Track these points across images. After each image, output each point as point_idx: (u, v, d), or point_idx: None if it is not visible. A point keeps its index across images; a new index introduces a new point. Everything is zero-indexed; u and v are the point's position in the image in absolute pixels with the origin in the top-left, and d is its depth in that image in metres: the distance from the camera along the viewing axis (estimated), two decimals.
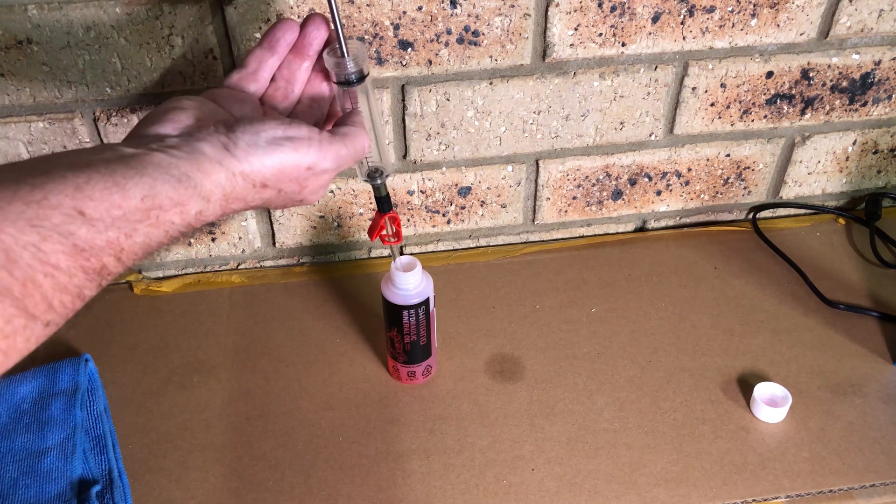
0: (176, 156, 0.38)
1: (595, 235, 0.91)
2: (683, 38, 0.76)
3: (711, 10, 0.74)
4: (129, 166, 0.36)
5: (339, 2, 0.51)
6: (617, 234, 0.91)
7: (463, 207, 0.85)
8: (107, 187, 0.34)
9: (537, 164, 0.82)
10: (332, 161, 0.45)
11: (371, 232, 0.61)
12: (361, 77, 0.53)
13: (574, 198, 0.86)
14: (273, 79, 0.53)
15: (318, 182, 0.46)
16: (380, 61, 0.72)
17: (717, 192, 0.89)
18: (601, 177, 0.85)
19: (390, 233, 0.61)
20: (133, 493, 0.61)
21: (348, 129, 0.48)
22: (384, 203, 0.60)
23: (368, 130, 0.55)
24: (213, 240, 0.83)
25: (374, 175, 0.58)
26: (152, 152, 0.38)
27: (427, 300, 0.64)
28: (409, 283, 0.63)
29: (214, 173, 0.39)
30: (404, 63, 0.73)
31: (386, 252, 0.89)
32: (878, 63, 0.81)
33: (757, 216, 0.92)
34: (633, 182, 0.86)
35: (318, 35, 0.52)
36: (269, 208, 0.45)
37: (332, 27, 0.51)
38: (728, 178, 0.88)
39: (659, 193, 0.88)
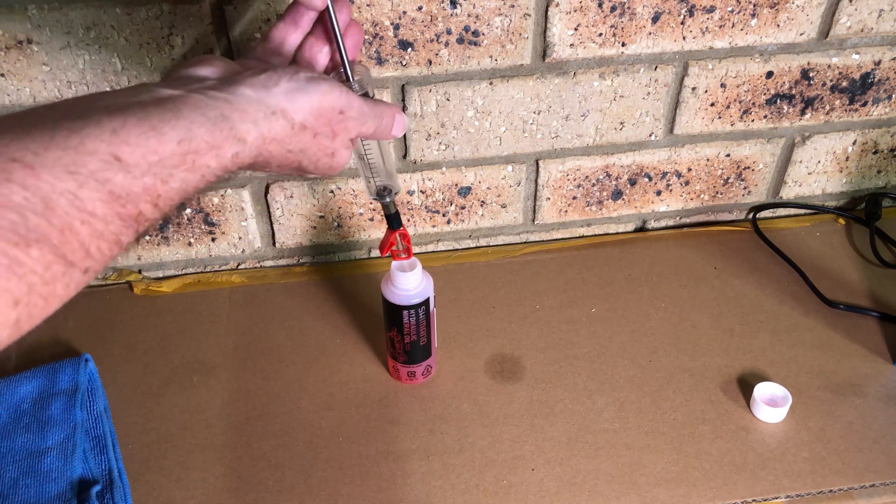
0: (214, 97, 0.38)
1: (595, 235, 0.91)
2: (683, 38, 0.76)
3: (711, 10, 0.74)
4: (166, 108, 0.35)
5: (342, 24, 0.50)
6: (617, 234, 0.91)
7: (463, 207, 0.85)
8: (143, 132, 0.33)
9: (537, 164, 0.82)
10: (357, 111, 0.45)
11: (382, 248, 0.62)
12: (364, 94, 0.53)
13: (574, 198, 0.86)
14: (294, 59, 0.52)
15: (345, 134, 0.45)
16: (380, 61, 0.72)
17: (717, 192, 0.89)
18: (601, 177, 0.85)
19: (401, 248, 0.62)
20: (133, 493, 0.61)
21: (380, 102, 0.49)
22: (394, 220, 0.61)
23: (376, 151, 0.56)
24: (213, 240, 0.83)
25: (384, 193, 0.59)
26: (190, 94, 0.37)
27: (427, 300, 0.64)
28: (410, 284, 0.63)
29: (252, 112, 0.39)
30: (404, 63, 0.73)
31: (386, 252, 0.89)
32: (878, 63, 0.81)
33: (757, 216, 0.92)
34: (633, 182, 0.86)
35: (340, 18, 0.51)
36: (300, 169, 0.45)
37: (337, 50, 0.51)
38: (728, 178, 0.88)
39: (659, 193, 0.88)
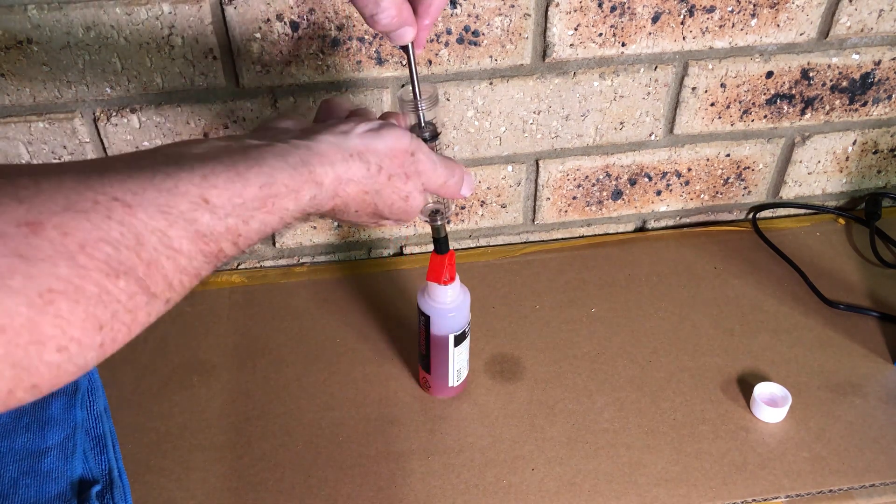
0: (296, 145, 0.41)
1: (595, 235, 0.91)
2: (683, 38, 0.76)
3: (711, 10, 0.74)
4: (250, 156, 0.38)
5: (415, 56, 0.52)
6: (617, 234, 0.91)
7: (463, 207, 0.85)
8: (230, 177, 0.36)
9: (537, 164, 0.82)
10: (427, 156, 0.48)
11: (432, 275, 0.61)
12: (435, 135, 0.53)
13: (574, 198, 0.86)
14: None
15: (417, 179, 0.47)
16: (380, 61, 0.73)
17: (717, 192, 0.89)
18: (601, 177, 0.85)
19: (448, 276, 0.61)
20: (133, 493, 0.61)
21: (451, 159, 0.51)
22: (443, 244, 0.60)
23: None
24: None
25: (435, 216, 0.57)
26: (275, 144, 0.41)
27: (428, 317, 0.64)
28: (433, 290, 0.62)
29: (331, 155, 0.42)
30: (404, 63, 0.73)
31: (386, 253, 0.89)
32: (878, 63, 0.81)
33: (757, 216, 0.92)
34: (633, 182, 0.86)
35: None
36: (376, 214, 0.47)
37: (412, 81, 0.51)
38: (728, 178, 0.88)
39: (659, 193, 0.88)
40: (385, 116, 0.52)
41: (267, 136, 0.42)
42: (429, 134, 0.52)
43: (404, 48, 0.50)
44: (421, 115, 0.52)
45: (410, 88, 0.52)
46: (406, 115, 0.52)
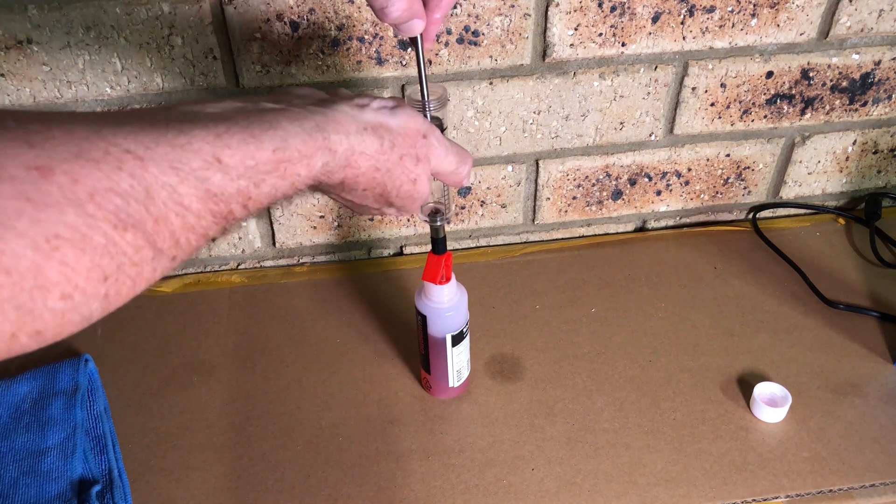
0: (312, 111, 0.41)
1: (595, 235, 0.91)
2: (683, 38, 0.76)
3: (711, 10, 0.74)
4: (266, 119, 0.38)
5: (424, 54, 0.52)
6: (617, 234, 0.91)
7: (463, 207, 0.85)
8: (244, 138, 0.36)
9: (537, 164, 0.82)
10: (438, 139, 0.48)
11: (429, 275, 0.60)
12: (441, 130, 0.52)
13: (574, 198, 0.86)
14: None
15: (426, 162, 0.47)
16: (380, 61, 0.72)
17: (717, 192, 0.89)
18: (601, 177, 0.85)
19: (444, 276, 0.61)
20: (133, 493, 0.61)
21: (462, 148, 0.51)
22: (441, 245, 0.59)
23: None
24: (213, 239, 0.82)
25: (435, 216, 0.57)
26: (291, 108, 0.40)
27: (425, 317, 0.64)
28: (429, 290, 0.62)
29: (346, 124, 0.42)
30: (404, 63, 0.73)
31: (386, 253, 0.89)
32: (878, 63, 0.81)
33: (757, 216, 0.92)
34: (632, 182, 0.86)
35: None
36: (384, 196, 0.47)
37: (419, 75, 0.51)
38: (728, 178, 0.88)
39: (659, 193, 0.88)
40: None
41: (283, 100, 0.42)
42: (433, 106, 0.52)
43: (413, 41, 0.50)
44: (427, 110, 0.52)
45: (418, 88, 0.52)
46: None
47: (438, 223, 0.58)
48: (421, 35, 0.50)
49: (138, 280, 0.33)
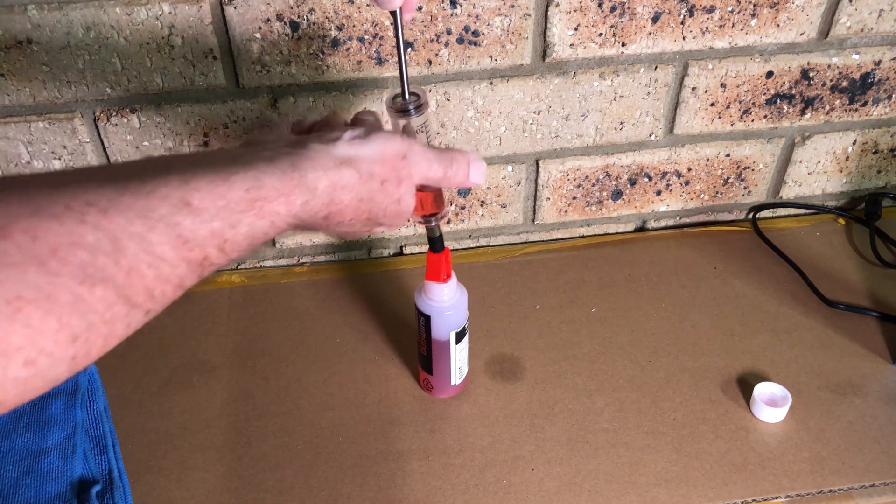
0: (286, 151, 0.40)
1: (595, 235, 0.91)
2: (683, 38, 0.76)
3: (711, 10, 0.74)
4: (236, 162, 0.37)
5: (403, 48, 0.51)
6: (617, 234, 0.91)
7: (463, 207, 0.85)
8: (212, 180, 0.35)
9: (537, 163, 0.82)
10: (419, 155, 0.47)
11: (431, 274, 0.60)
12: (419, 106, 0.52)
13: (574, 198, 0.86)
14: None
15: (409, 181, 0.47)
16: (379, 61, 0.72)
17: (717, 192, 0.89)
18: (601, 177, 0.85)
19: (445, 274, 0.61)
20: (133, 493, 0.61)
21: (449, 149, 0.50)
22: (438, 244, 0.59)
23: None
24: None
25: (430, 218, 0.57)
26: (262, 151, 0.40)
27: (428, 317, 0.64)
28: (431, 289, 0.62)
29: (322, 161, 0.41)
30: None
31: (386, 253, 0.89)
32: (878, 63, 0.81)
33: (757, 216, 0.92)
34: (632, 182, 0.86)
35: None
36: (370, 221, 0.46)
37: (399, 63, 0.51)
38: (728, 178, 0.88)
39: (659, 193, 0.88)
40: (357, 116, 0.51)
41: (252, 146, 0.41)
42: (413, 106, 0.51)
43: (392, 14, 0.49)
44: (405, 84, 0.51)
45: (396, 92, 0.51)
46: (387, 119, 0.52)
47: (433, 223, 0.58)
48: (400, 8, 0.48)
49: (110, 338, 0.31)
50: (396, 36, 0.50)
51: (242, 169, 0.37)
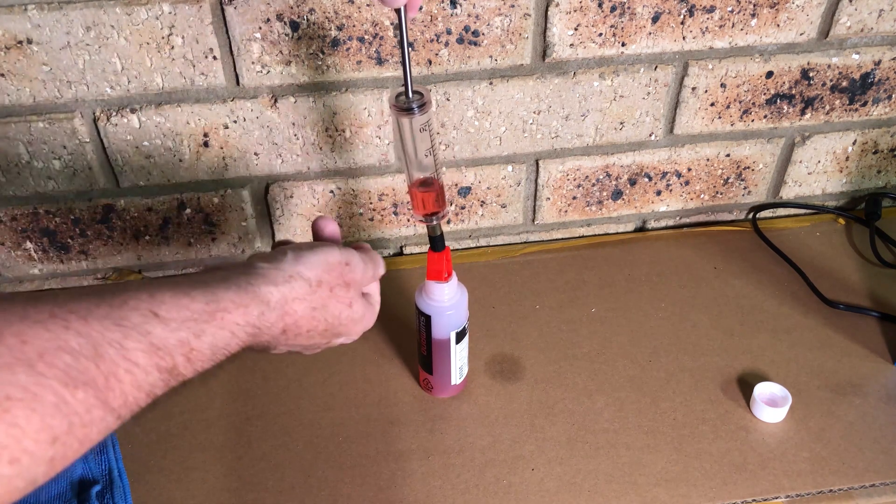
0: (238, 272, 0.44)
1: (595, 235, 0.91)
2: (683, 38, 0.76)
3: (711, 10, 0.74)
4: (195, 281, 0.41)
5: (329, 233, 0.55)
6: (617, 234, 0.91)
7: (463, 207, 0.85)
8: (174, 294, 0.38)
9: (537, 163, 0.82)
10: (359, 259, 0.51)
11: (432, 273, 0.61)
12: (422, 105, 0.52)
13: (574, 198, 0.86)
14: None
15: (356, 286, 0.50)
16: (379, 61, 0.72)
17: (717, 192, 0.89)
18: (601, 177, 0.85)
19: (447, 273, 0.61)
20: (133, 493, 0.61)
21: (367, 249, 0.54)
22: (439, 242, 0.60)
23: (430, 164, 0.55)
24: (213, 240, 0.83)
25: (430, 215, 0.57)
26: (216, 273, 0.43)
27: (429, 317, 0.64)
28: (431, 288, 0.62)
29: (272, 276, 0.44)
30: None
31: (386, 253, 0.89)
32: (878, 63, 0.81)
33: (757, 216, 0.92)
34: (632, 182, 0.86)
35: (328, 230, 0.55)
36: (327, 331, 0.49)
37: (402, 61, 0.51)
38: (728, 178, 0.88)
39: (659, 193, 0.88)
40: (316, 228, 0.55)
41: (211, 272, 0.45)
42: (417, 105, 0.52)
43: (397, 12, 0.49)
44: (409, 82, 0.51)
45: (398, 90, 0.52)
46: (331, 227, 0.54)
47: (434, 222, 0.58)
48: (405, 6, 0.49)
49: (85, 442, 0.32)
50: (400, 34, 0.50)
51: (201, 286, 0.40)
